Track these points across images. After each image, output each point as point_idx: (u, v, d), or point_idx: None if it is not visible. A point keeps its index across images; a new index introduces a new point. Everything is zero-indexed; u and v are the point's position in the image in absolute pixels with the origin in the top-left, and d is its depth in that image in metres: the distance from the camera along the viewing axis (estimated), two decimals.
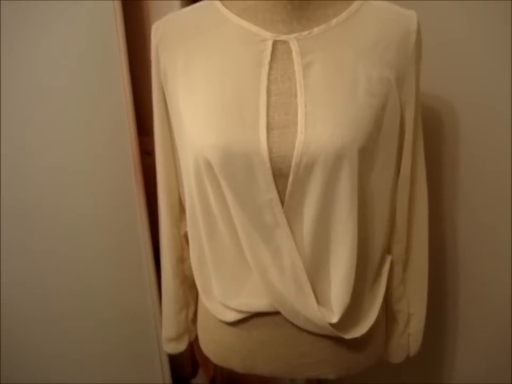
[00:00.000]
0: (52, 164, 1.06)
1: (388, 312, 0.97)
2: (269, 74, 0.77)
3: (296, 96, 0.76)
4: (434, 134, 1.09)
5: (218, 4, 0.83)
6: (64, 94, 1.06)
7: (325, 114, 0.74)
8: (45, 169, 1.06)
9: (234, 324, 0.88)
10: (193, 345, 1.09)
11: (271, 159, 0.74)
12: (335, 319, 0.81)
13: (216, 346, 0.95)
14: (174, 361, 1.41)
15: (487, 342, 1.14)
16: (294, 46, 0.78)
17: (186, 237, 0.97)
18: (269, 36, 0.79)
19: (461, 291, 1.17)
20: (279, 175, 0.75)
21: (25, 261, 1.07)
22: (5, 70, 0.96)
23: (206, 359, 1.02)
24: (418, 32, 0.81)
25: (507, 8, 0.93)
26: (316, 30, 0.79)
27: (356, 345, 0.88)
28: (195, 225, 0.88)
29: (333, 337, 0.85)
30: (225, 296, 0.87)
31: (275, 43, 0.78)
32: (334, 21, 0.79)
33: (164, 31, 0.85)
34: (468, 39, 1.01)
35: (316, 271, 0.81)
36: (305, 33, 0.78)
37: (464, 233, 1.13)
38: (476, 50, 1.00)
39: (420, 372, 1.28)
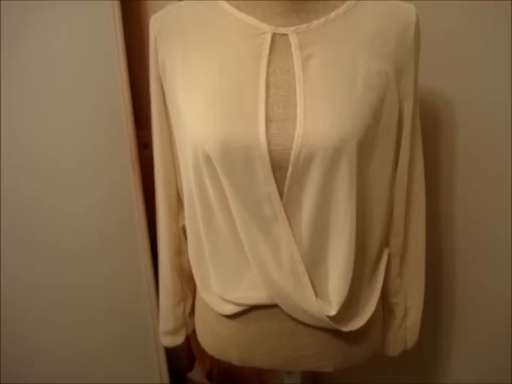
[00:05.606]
0: (50, 157, 1.07)
1: (385, 305, 0.97)
2: (268, 67, 0.77)
3: (295, 88, 0.76)
4: (431, 128, 1.09)
5: None
6: (63, 89, 1.07)
7: (324, 107, 0.74)
8: (43, 163, 1.06)
9: (232, 316, 0.88)
10: (190, 338, 1.09)
11: (270, 151, 0.74)
12: (333, 311, 0.81)
13: (214, 339, 0.95)
14: (170, 354, 1.41)
15: (484, 335, 1.15)
16: (293, 39, 0.78)
17: (184, 230, 0.97)
18: (268, 29, 0.78)
19: (457, 284, 1.17)
20: (278, 168, 0.75)
21: (23, 256, 1.07)
22: (5, 68, 0.96)
23: (202, 352, 1.02)
24: (417, 26, 0.81)
25: (506, 3, 0.93)
26: (315, 23, 0.78)
27: (353, 338, 0.88)
28: (193, 218, 0.88)
29: (330, 330, 0.85)
30: (224, 289, 0.87)
31: (274, 36, 0.78)
32: (333, 14, 0.79)
33: (162, 23, 0.84)
34: (466, 32, 1.01)
35: (314, 264, 0.81)
36: (304, 26, 0.78)
37: (462, 227, 1.13)
38: (474, 45, 1.01)
39: (416, 365, 1.28)
